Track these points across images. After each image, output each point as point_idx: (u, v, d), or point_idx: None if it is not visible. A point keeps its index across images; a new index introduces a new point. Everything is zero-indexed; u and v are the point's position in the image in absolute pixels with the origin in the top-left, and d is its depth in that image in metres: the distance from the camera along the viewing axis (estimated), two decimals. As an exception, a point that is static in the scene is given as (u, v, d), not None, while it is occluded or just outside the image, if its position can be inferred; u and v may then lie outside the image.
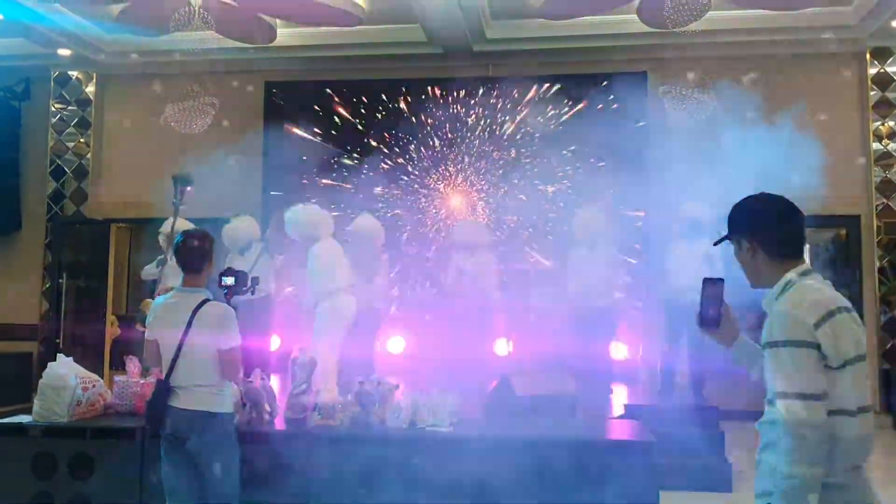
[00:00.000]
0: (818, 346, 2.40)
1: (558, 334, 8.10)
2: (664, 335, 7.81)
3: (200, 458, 4.05)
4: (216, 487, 4.08)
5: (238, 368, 4.18)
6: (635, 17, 9.13)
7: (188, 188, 7.56)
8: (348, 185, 10.31)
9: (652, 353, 7.86)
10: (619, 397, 7.52)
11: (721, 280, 2.67)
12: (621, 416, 6.65)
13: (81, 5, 9.39)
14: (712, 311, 2.68)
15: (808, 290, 2.52)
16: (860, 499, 2.47)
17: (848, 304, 2.52)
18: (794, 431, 2.35)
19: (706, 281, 2.69)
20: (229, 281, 4.57)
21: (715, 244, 2.86)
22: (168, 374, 4.06)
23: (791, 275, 2.57)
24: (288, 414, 5.34)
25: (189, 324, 4.02)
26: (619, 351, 8.44)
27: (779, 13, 9.21)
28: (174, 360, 4.03)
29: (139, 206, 10.68)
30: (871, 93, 9.85)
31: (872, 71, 9.87)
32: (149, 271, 8.23)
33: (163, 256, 7.74)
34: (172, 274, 7.09)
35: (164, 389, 4.06)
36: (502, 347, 8.18)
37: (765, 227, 2.64)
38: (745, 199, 2.72)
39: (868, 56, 9.87)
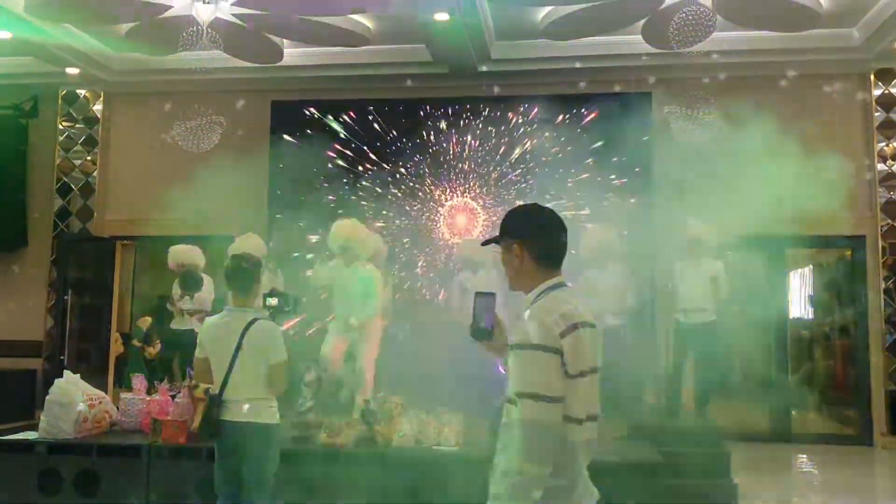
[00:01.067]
0: (561, 354, 2.49)
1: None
2: (670, 355, 7.81)
3: (246, 466, 4.29)
4: (254, 494, 4.30)
5: (285, 382, 4.42)
6: (640, 37, 9.17)
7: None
8: (354, 204, 10.33)
9: (658, 372, 7.84)
10: (627, 417, 7.48)
11: (493, 294, 2.75)
12: (628, 437, 6.61)
13: (90, 24, 9.45)
14: (484, 324, 2.75)
15: (560, 301, 2.62)
16: (582, 499, 2.58)
17: (592, 320, 2.63)
18: (529, 430, 2.45)
19: (478, 294, 2.78)
20: (273, 302, 4.73)
21: (483, 244, 2.99)
22: (221, 389, 4.32)
23: (548, 284, 2.67)
24: (294, 432, 5.35)
25: (240, 341, 4.29)
26: (623, 370, 8.39)
27: (783, 35, 9.24)
28: (227, 376, 4.31)
29: (145, 223, 10.73)
30: (876, 114, 9.87)
31: (877, 92, 9.90)
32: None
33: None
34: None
35: (217, 404, 4.33)
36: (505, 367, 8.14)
37: (537, 236, 2.73)
38: (522, 206, 2.89)
39: (872, 77, 9.90)
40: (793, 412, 9.88)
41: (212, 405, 4.36)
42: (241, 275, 4.50)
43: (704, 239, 7.73)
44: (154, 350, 10.24)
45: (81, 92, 11.18)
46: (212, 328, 4.51)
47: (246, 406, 4.30)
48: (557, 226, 2.75)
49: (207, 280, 8.45)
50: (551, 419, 2.46)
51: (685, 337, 7.68)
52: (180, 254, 8.56)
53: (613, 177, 9.67)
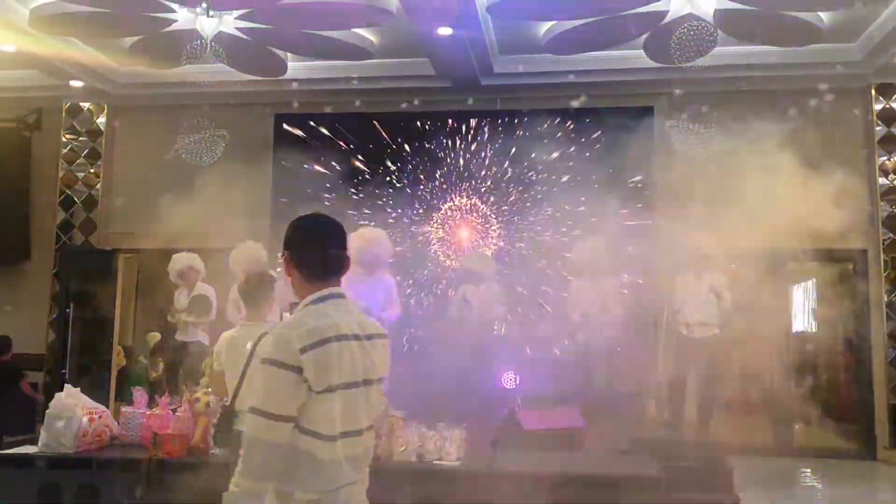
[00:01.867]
0: (300, 370, 2.46)
1: (566, 367, 8.09)
2: (672, 368, 7.81)
3: None
4: None
5: None
6: (641, 52, 9.20)
7: None
8: (357, 216, 10.35)
9: (660, 385, 7.83)
10: (627, 430, 7.46)
11: None
12: (629, 450, 6.60)
13: (94, 37, 9.50)
14: None
15: (315, 314, 2.60)
16: None
17: (358, 332, 2.63)
18: (251, 445, 2.45)
19: None
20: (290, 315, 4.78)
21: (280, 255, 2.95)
22: (233, 399, 4.41)
23: (315, 296, 2.68)
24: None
25: (251, 354, 4.33)
26: (626, 383, 8.39)
27: (784, 49, 9.27)
28: (238, 388, 4.38)
29: (148, 236, 10.71)
30: (877, 128, 9.88)
31: (878, 107, 9.91)
32: None
33: None
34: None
35: (229, 414, 4.43)
36: (509, 380, 8.16)
37: (302, 248, 2.74)
38: (297, 217, 2.86)
39: (873, 92, 9.92)
40: (796, 426, 9.85)
41: (224, 415, 4.51)
42: (255, 291, 4.71)
43: (707, 252, 7.72)
44: (156, 374, 10.22)
45: (85, 105, 11.22)
46: (227, 342, 4.68)
47: None
48: (325, 237, 2.76)
49: (210, 290, 8.48)
50: (273, 437, 2.44)
51: (688, 351, 7.67)
52: (180, 261, 8.60)
53: (615, 190, 9.66)
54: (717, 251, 7.75)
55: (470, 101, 10.53)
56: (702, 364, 7.62)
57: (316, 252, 2.73)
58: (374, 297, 7.37)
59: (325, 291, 2.69)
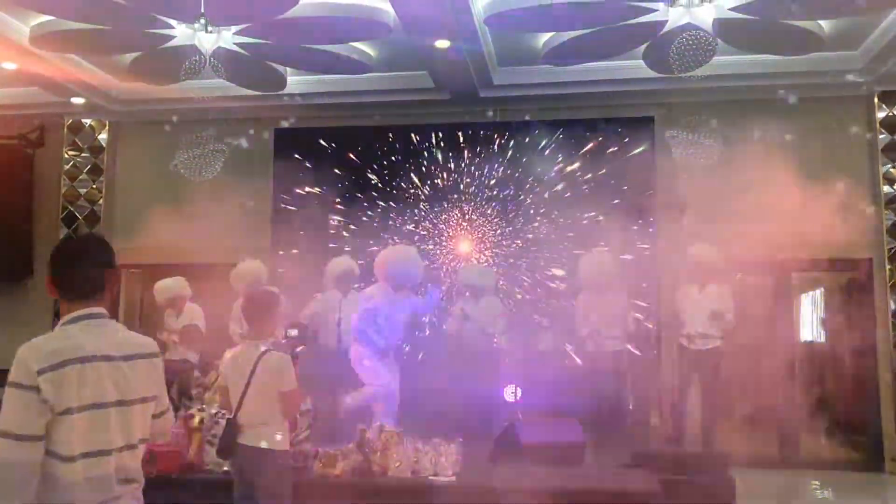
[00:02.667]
0: (38, 391, 2.48)
1: (567, 380, 8.04)
2: (674, 381, 7.75)
3: (257, 491, 4.55)
4: None
5: (296, 407, 4.81)
6: (641, 62, 9.17)
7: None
8: (357, 230, 10.35)
9: (662, 398, 7.77)
10: (629, 444, 7.40)
11: None
12: (630, 464, 6.54)
13: (94, 54, 9.53)
14: None
15: (57, 336, 2.65)
16: None
17: (111, 352, 2.65)
18: None
19: None
20: (293, 332, 5.07)
21: None
22: (235, 413, 4.60)
23: (70, 317, 2.70)
24: (289, 462, 5.29)
25: (252, 371, 4.56)
26: (627, 397, 8.34)
27: (785, 58, 9.23)
28: (241, 401, 4.57)
29: (151, 251, 10.71)
30: (881, 136, 9.81)
31: (881, 115, 9.84)
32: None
33: None
34: None
35: (232, 427, 4.60)
36: (510, 394, 8.11)
37: (54, 269, 2.78)
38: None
39: (876, 100, 9.85)
40: (801, 438, 9.75)
41: (227, 428, 4.64)
42: (257, 309, 4.80)
43: (708, 264, 7.67)
44: None
45: (87, 121, 11.25)
46: (231, 359, 4.82)
47: (257, 430, 4.55)
48: (77, 258, 2.78)
49: (198, 310, 8.51)
50: (16, 457, 2.45)
51: (690, 363, 7.61)
52: (167, 290, 8.67)
53: (616, 201, 9.63)
54: (716, 263, 7.69)
55: (469, 113, 10.51)
56: (704, 376, 7.56)
57: (67, 273, 2.76)
58: (399, 317, 7.37)
59: (79, 312, 2.71)
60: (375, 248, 9.93)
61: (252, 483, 4.56)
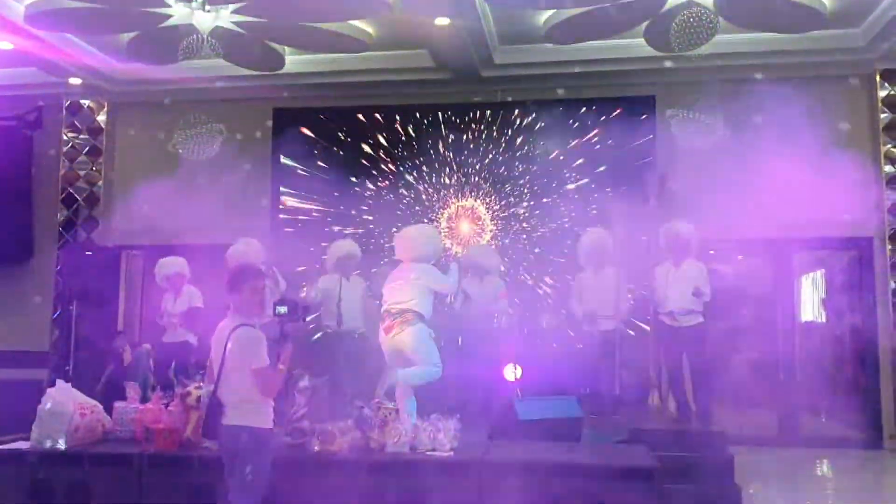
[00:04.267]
0: None
1: (566, 358, 8.04)
2: (662, 359, 7.74)
3: (240, 468, 4.40)
4: (236, 496, 4.41)
5: (270, 387, 4.50)
6: (643, 40, 9.11)
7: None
8: (356, 210, 10.34)
9: (658, 376, 7.76)
10: (625, 421, 7.40)
11: None
12: (627, 441, 6.55)
13: (91, 34, 9.48)
14: None
15: None
16: None
17: None
18: None
19: None
20: (283, 310, 4.81)
21: None
22: (215, 391, 4.51)
23: None
24: (287, 439, 5.31)
25: (225, 346, 4.47)
26: (625, 375, 8.33)
27: (787, 36, 9.16)
28: (218, 379, 4.49)
29: (151, 233, 10.69)
30: (882, 115, 9.74)
31: (882, 93, 9.77)
32: None
33: None
34: None
35: (214, 405, 4.50)
36: (510, 372, 8.10)
37: None
38: None
39: (878, 78, 9.78)
40: (801, 416, 9.76)
41: (209, 406, 4.52)
42: (236, 284, 4.65)
43: (688, 241, 7.64)
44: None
45: (85, 102, 11.20)
46: (216, 333, 4.71)
47: (236, 408, 4.44)
48: None
49: (196, 292, 8.47)
50: None
51: (674, 340, 7.60)
52: (167, 266, 8.62)
53: (616, 180, 9.59)
54: (697, 239, 7.66)
55: (470, 93, 10.46)
56: (690, 353, 7.54)
57: None
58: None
59: None
60: (371, 224, 10.04)
61: (235, 461, 4.44)
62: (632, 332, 8.00)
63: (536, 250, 10.03)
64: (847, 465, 8.75)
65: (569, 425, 6.45)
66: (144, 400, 5.72)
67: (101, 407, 5.57)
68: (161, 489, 4.95)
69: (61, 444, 5.19)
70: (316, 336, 8.52)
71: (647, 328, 7.78)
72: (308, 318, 6.06)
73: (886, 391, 9.36)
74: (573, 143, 10.05)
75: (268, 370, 4.43)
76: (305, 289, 9.07)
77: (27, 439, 5.38)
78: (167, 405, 5.55)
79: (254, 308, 4.66)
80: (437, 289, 6.38)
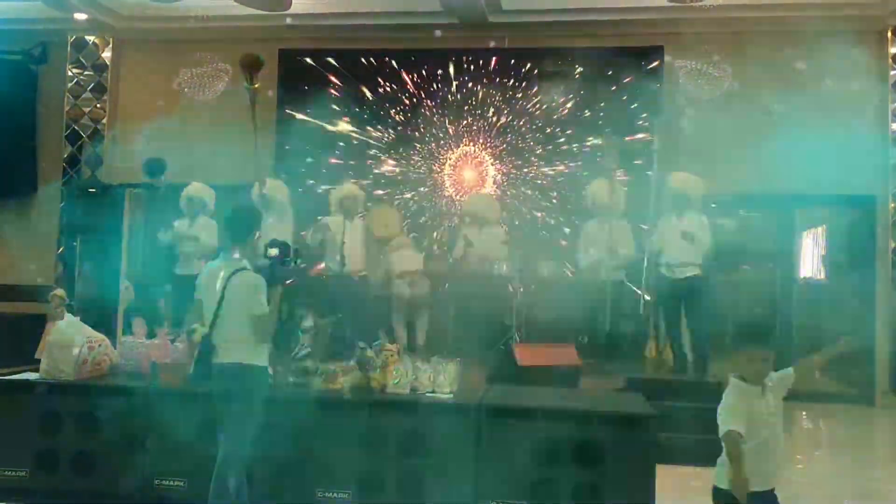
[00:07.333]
0: None
1: (566, 307, 8.11)
2: (660, 310, 7.81)
3: (228, 405, 4.39)
4: (227, 434, 4.40)
5: (268, 331, 4.49)
6: (653, -11, 9.04)
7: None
8: (360, 155, 10.36)
9: (658, 325, 7.84)
10: (624, 371, 7.50)
11: None
12: (624, 389, 6.65)
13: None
14: None
15: None
16: None
17: None
18: None
19: None
20: (274, 252, 4.76)
21: None
22: (209, 332, 4.44)
23: None
24: (290, 378, 5.40)
25: (224, 289, 4.39)
26: (625, 323, 8.42)
27: (798, -11, 9.09)
28: (214, 321, 4.42)
29: (153, 171, 10.70)
30: (892, 72, 9.68)
31: (893, 50, 9.70)
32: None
33: None
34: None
35: (207, 346, 4.44)
36: (509, 318, 8.19)
37: None
38: None
39: (889, 34, 9.70)
40: (796, 371, 9.85)
41: (202, 347, 4.48)
42: (237, 225, 4.61)
43: (688, 193, 7.64)
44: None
45: (90, 38, 11.13)
46: (205, 273, 4.64)
47: (231, 348, 4.42)
48: None
49: (212, 225, 8.42)
50: None
51: (671, 292, 7.66)
52: (193, 189, 8.51)
53: (622, 129, 9.56)
54: (698, 191, 7.65)
55: (477, 38, 10.37)
56: (687, 304, 7.60)
57: None
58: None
59: None
60: (379, 172, 10.06)
61: (230, 399, 4.39)
62: (632, 286, 8.03)
63: (540, 199, 10.06)
64: (836, 419, 8.90)
65: (567, 372, 6.55)
66: (151, 335, 5.79)
67: (108, 341, 5.64)
68: (166, 423, 5.04)
69: (69, 377, 5.28)
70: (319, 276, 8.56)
71: (645, 278, 7.81)
72: (300, 261, 5.98)
73: (882, 349, 9.45)
74: (580, 90, 10.02)
75: (265, 318, 4.41)
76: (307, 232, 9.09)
77: (36, 370, 5.47)
78: (174, 341, 5.64)
79: (250, 250, 4.64)
80: None
